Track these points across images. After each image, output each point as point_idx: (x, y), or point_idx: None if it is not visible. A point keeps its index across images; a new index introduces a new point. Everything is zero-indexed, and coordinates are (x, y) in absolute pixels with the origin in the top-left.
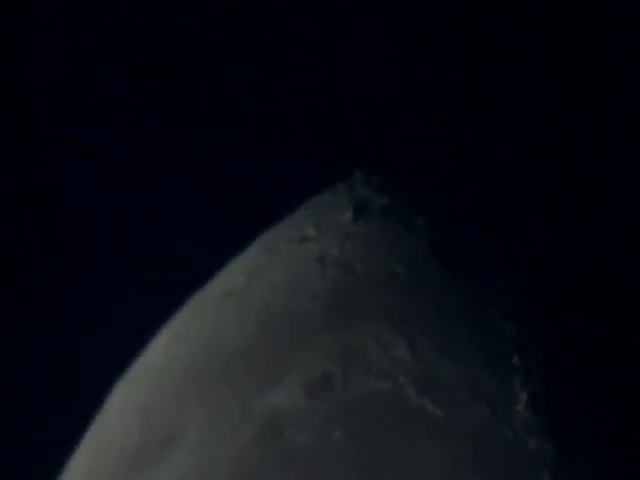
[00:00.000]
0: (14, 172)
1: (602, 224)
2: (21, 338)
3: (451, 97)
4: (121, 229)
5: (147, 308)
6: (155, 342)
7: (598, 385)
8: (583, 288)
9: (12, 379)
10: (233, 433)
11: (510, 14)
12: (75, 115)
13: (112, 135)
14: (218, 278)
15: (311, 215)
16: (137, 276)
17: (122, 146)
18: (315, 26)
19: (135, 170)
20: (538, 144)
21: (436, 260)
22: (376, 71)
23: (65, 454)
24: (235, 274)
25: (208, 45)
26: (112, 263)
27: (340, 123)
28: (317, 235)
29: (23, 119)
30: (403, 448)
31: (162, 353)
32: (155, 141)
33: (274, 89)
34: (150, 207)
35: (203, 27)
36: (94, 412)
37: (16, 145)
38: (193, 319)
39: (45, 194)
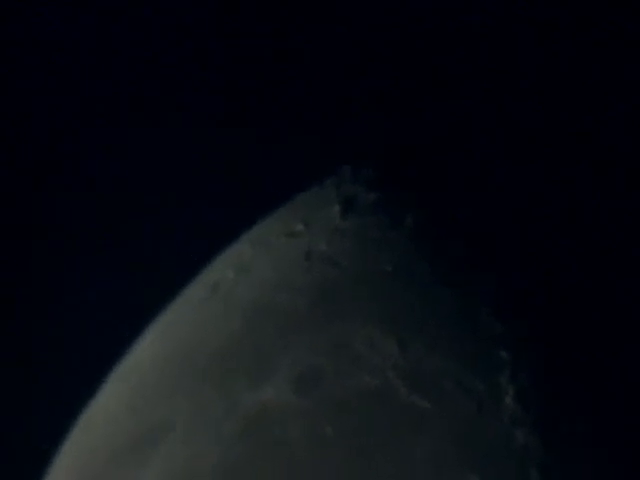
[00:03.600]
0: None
1: (590, 225)
2: (10, 339)
3: (444, 95)
4: (106, 226)
5: (134, 303)
6: (143, 338)
7: (586, 380)
8: (570, 287)
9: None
10: (219, 428)
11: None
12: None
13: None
14: (206, 272)
15: (299, 210)
16: (123, 273)
17: (109, 140)
18: (300, 23)
19: (122, 165)
20: (527, 146)
21: (424, 258)
22: (367, 66)
23: (51, 451)
24: (223, 269)
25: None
26: (97, 261)
27: (330, 118)
28: (305, 230)
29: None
30: (392, 442)
31: (149, 349)
32: (144, 136)
33: (262, 86)
34: (136, 203)
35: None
36: (80, 409)
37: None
38: (180, 314)
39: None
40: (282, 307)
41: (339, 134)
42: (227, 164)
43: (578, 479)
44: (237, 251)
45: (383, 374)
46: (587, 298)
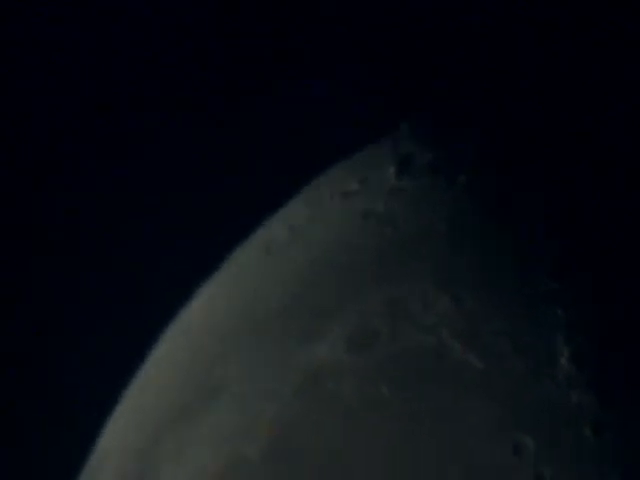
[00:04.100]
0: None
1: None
2: (62, 300)
3: (500, 56)
4: (158, 182)
5: (189, 263)
6: (197, 297)
7: None
8: (628, 247)
9: (52, 340)
10: (275, 386)
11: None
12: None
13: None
14: (260, 232)
15: (355, 169)
16: (178, 231)
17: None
18: None
19: (172, 130)
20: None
21: (479, 217)
22: (423, 25)
23: (106, 411)
24: (277, 228)
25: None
26: (151, 219)
27: (387, 75)
28: (361, 189)
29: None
30: (447, 402)
31: (204, 309)
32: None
33: (320, 40)
34: (191, 159)
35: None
36: (135, 368)
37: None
38: (235, 274)
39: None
40: (338, 267)
41: (397, 90)
42: (282, 120)
43: (632, 439)
44: (292, 210)
45: (438, 333)
46: None
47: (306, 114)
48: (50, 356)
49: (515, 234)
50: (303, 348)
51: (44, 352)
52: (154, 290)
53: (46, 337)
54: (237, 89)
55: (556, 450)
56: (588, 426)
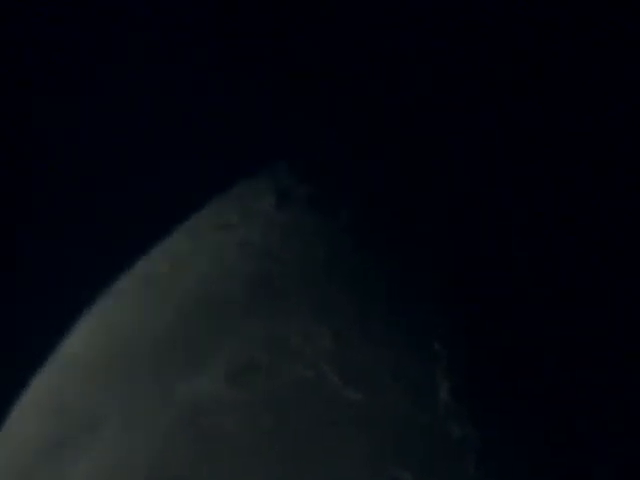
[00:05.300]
0: None
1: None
2: None
3: (382, 89)
4: (42, 214)
5: (66, 297)
6: (74, 332)
7: (519, 371)
8: (502, 282)
9: None
10: (154, 421)
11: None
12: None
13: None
14: (139, 265)
15: (234, 202)
16: (56, 264)
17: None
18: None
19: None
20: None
21: (358, 250)
22: (307, 57)
23: None
24: (157, 260)
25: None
26: (32, 248)
27: (266, 110)
28: (240, 222)
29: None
30: (327, 435)
31: (81, 342)
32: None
33: (203, 75)
34: (75, 192)
35: None
36: (12, 404)
37: None
38: (113, 307)
39: None
40: (217, 299)
41: (275, 125)
42: (162, 154)
43: (515, 469)
44: (172, 243)
45: (318, 366)
46: (522, 294)
47: (185, 147)
48: None
49: (394, 268)
50: (182, 381)
51: None
52: (33, 320)
53: None
54: None
55: None
56: (471, 459)
